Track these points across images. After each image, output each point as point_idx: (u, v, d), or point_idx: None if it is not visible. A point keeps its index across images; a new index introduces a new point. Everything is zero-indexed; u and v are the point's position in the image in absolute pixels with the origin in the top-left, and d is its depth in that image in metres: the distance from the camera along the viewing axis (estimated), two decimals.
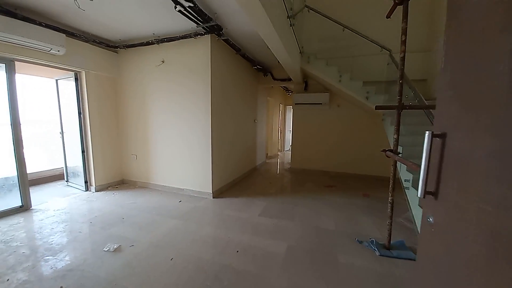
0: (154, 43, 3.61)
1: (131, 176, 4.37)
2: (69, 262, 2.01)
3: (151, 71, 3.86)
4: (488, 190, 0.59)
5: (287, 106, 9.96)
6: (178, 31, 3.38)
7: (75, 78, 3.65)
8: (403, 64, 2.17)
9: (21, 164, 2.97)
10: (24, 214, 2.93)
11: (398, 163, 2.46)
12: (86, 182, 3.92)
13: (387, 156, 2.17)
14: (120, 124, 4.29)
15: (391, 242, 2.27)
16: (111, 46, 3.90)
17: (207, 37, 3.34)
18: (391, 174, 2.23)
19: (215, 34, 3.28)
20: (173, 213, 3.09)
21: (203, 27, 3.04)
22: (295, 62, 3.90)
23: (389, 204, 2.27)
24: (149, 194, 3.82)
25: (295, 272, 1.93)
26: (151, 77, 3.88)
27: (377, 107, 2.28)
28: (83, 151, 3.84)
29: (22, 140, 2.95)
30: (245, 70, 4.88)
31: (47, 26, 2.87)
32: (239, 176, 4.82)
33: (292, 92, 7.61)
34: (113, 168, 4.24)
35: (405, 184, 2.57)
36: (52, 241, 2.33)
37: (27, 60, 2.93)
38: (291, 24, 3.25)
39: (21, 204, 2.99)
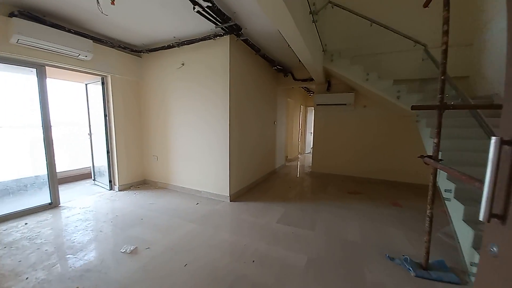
0: (175, 46, 3.65)
1: (152, 176, 4.46)
2: (88, 262, 2.03)
3: (172, 74, 3.91)
4: None
5: (308, 107, 9.66)
6: (198, 33, 3.37)
7: (102, 82, 3.82)
8: (445, 58, 1.90)
9: (51, 163, 3.14)
10: (52, 211, 3.09)
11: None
12: (110, 181, 4.07)
13: (426, 163, 1.89)
14: (142, 126, 4.41)
15: (429, 261, 1.98)
16: (135, 51, 4.03)
17: (226, 38, 3.29)
18: (430, 183, 1.95)
19: (234, 34, 3.22)
20: (190, 216, 3.05)
21: (222, 28, 2.99)
22: (317, 61, 3.70)
23: (428, 218, 1.99)
24: (168, 195, 3.85)
25: None
26: (171, 79, 3.93)
27: (413, 107, 2.02)
28: (108, 152, 3.99)
29: (52, 141, 3.12)
30: (265, 71, 4.77)
31: (76, 32, 3.02)
32: (257, 179, 4.70)
33: (313, 92, 7.35)
34: (135, 168, 4.37)
35: (445, 195, 2.25)
36: (74, 239, 2.39)
37: (56, 65, 3.10)
38: (313, 20, 3.08)
39: (50, 202, 3.16)
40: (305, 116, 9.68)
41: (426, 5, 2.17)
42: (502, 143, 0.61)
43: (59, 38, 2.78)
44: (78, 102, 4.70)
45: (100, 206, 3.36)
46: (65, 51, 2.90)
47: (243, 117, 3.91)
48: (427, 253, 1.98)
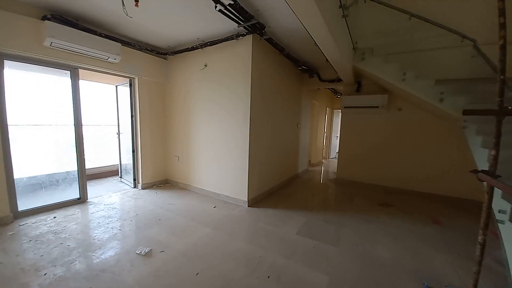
0: (198, 48, 3.65)
1: (174, 176, 4.53)
2: (104, 260, 2.05)
3: (195, 75, 3.92)
4: None
5: (334, 110, 9.19)
6: (220, 34, 3.32)
7: (129, 84, 3.97)
8: (504, 55, 1.53)
9: (81, 160, 3.31)
10: (80, 206, 3.25)
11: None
12: (134, 179, 4.21)
13: (480, 180, 1.56)
14: (166, 126, 4.51)
15: None
16: (161, 53, 4.13)
17: (249, 37, 3.19)
18: (485, 204, 1.60)
19: (257, 33, 3.10)
20: (207, 219, 2.99)
21: (244, 27, 2.89)
22: (346, 60, 3.41)
23: (479, 245, 1.63)
24: (187, 197, 3.85)
25: None
26: (194, 81, 3.95)
27: (465, 112, 1.68)
28: (133, 151, 4.14)
29: (83, 139, 3.30)
30: (289, 72, 4.58)
31: (106, 36, 3.15)
32: (278, 184, 4.51)
33: (341, 94, 6.93)
34: (158, 168, 4.47)
35: (498, 217, 1.86)
36: (95, 236, 2.46)
37: (88, 68, 3.26)
38: (344, 15, 2.82)
39: (78, 197, 3.34)
40: (331, 119, 9.22)
41: None
42: None
43: (90, 41, 2.92)
44: (109, 103, 4.97)
45: (123, 203, 3.47)
46: (95, 54, 3.04)
47: (265, 119, 3.77)
48: (475, 286, 1.63)
